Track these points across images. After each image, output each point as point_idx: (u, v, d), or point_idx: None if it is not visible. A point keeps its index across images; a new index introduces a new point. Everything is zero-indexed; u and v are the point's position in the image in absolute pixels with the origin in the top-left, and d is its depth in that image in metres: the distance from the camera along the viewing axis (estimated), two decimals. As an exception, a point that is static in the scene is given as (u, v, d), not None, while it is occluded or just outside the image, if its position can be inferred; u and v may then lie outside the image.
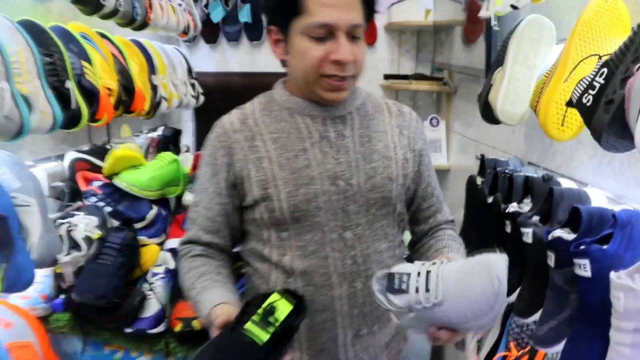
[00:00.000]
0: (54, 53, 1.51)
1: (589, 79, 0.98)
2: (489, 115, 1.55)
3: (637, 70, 0.86)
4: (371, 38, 3.15)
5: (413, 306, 0.98)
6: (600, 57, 1.05)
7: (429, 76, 2.94)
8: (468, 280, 0.95)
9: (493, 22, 1.59)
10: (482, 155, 1.71)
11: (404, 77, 3.00)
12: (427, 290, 0.97)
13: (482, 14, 1.60)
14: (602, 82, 0.94)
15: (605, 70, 0.95)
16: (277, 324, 0.99)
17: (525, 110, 1.42)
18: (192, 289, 1.21)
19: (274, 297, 1.03)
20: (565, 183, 1.34)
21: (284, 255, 1.24)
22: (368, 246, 1.25)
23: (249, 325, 0.98)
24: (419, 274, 0.99)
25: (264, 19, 3.03)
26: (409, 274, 1.00)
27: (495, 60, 1.57)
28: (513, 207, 1.34)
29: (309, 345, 1.26)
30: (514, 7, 1.37)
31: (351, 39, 1.15)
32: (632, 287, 0.83)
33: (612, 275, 0.87)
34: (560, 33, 1.42)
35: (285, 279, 1.24)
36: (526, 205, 1.35)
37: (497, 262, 0.95)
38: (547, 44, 1.43)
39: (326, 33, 1.13)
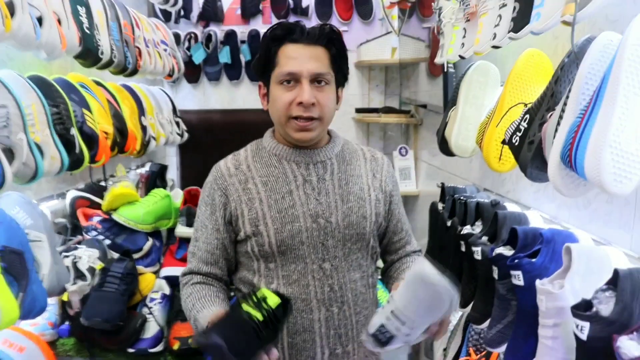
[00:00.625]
0: (59, 104, 1.69)
1: (516, 124, 1.20)
2: (445, 148, 1.77)
3: (550, 117, 1.09)
4: (343, 74, 3.38)
5: (405, 339, 1.17)
6: (525, 105, 1.28)
7: (397, 109, 3.17)
8: (413, 295, 1.13)
9: (447, 67, 1.81)
10: (443, 184, 1.92)
11: (375, 110, 3.23)
12: (403, 323, 1.14)
13: (437, 60, 1.83)
14: (526, 125, 1.17)
15: (527, 116, 1.17)
16: (270, 309, 1.15)
17: (475, 145, 1.64)
18: (193, 309, 1.39)
19: (264, 291, 1.19)
20: (511, 207, 1.56)
21: (271, 284, 1.42)
22: (344, 275, 1.43)
23: (245, 307, 1.15)
24: (387, 318, 1.16)
25: (242, 59, 3.26)
26: (382, 325, 1.16)
27: (450, 99, 1.80)
28: (467, 229, 1.55)
29: None
30: (461, 57, 1.60)
31: (316, 85, 1.36)
32: (550, 291, 1.04)
33: (537, 282, 1.08)
34: (504, 75, 1.65)
35: None
36: (478, 227, 1.57)
37: (421, 268, 1.13)
38: (493, 86, 1.66)
39: (292, 79, 1.36)
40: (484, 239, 1.45)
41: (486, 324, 1.43)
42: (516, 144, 1.19)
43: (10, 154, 1.45)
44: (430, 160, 2.83)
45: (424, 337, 1.21)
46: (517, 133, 1.19)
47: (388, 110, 3.14)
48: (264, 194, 1.41)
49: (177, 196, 2.25)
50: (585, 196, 1.25)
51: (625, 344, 0.83)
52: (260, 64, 1.43)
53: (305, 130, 1.39)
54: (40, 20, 1.55)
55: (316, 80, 1.36)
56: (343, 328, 1.44)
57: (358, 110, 3.30)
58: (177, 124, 2.91)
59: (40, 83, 1.66)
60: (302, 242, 1.40)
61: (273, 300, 1.17)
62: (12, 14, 1.41)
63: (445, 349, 1.83)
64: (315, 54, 1.37)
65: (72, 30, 1.74)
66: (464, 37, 1.59)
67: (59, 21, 1.66)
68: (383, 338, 1.17)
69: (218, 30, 3.28)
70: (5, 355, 1.50)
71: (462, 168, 2.18)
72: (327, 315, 1.42)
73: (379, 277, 1.65)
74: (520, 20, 1.17)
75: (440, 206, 1.85)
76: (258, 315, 1.13)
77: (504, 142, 1.27)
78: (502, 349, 1.31)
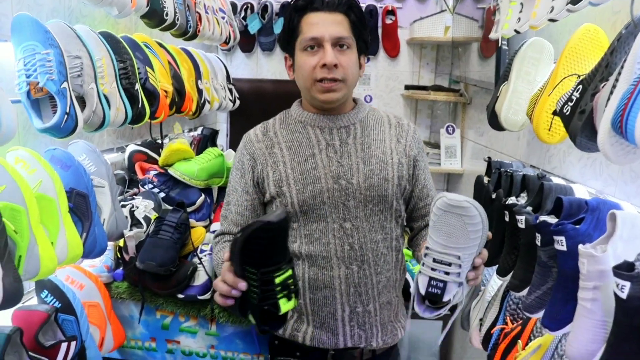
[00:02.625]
0: (126, 60, 1.78)
1: (569, 94, 1.23)
2: (495, 122, 1.80)
3: (603, 87, 1.11)
4: (394, 51, 3.41)
5: (457, 280, 1.20)
6: (578, 76, 1.30)
7: (447, 87, 3.19)
8: (446, 228, 1.17)
9: (501, 42, 1.83)
10: (489, 158, 1.95)
11: (424, 87, 3.25)
12: (449, 264, 1.18)
13: (492, 35, 1.85)
14: (578, 96, 1.19)
15: (580, 87, 1.20)
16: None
17: (525, 119, 1.66)
18: (219, 259, 1.49)
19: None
20: (557, 181, 1.58)
21: (294, 243, 1.50)
22: (365, 235, 1.48)
23: None
24: (432, 269, 1.20)
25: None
26: (431, 278, 1.19)
27: (502, 75, 1.81)
28: (512, 200, 1.59)
29: (313, 318, 1.50)
30: (517, 31, 1.61)
31: (338, 49, 1.44)
32: (593, 254, 1.08)
33: (580, 246, 1.12)
34: (558, 53, 1.67)
35: (295, 261, 1.49)
36: (523, 199, 1.60)
37: (440, 199, 1.16)
38: (546, 63, 1.67)
39: (315, 44, 1.44)
40: (529, 208, 1.48)
41: (525, 291, 1.46)
42: (567, 113, 1.22)
43: (81, 102, 1.55)
44: (477, 139, 2.84)
45: (474, 277, 1.24)
46: (569, 103, 1.21)
47: (437, 88, 3.16)
48: (288, 157, 1.50)
49: (230, 156, 2.33)
50: (632, 170, 1.27)
51: (664, 301, 0.87)
52: (285, 34, 1.52)
53: (330, 92, 1.45)
54: (114, -23, 1.64)
55: (338, 44, 1.44)
56: (363, 286, 1.49)
57: (407, 87, 3.32)
58: (230, 90, 3.00)
59: (110, 39, 1.75)
60: (324, 202, 1.46)
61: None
62: (89, -31, 1.50)
63: (481, 319, 1.87)
64: (336, 20, 1.45)
65: (141, -10, 1.82)
66: (521, 11, 1.61)
67: (130, -20, 1.75)
68: (437, 291, 1.19)
69: (274, 2, 3.34)
70: (68, 290, 1.61)
71: (509, 146, 2.20)
72: (347, 273, 1.47)
73: (407, 246, 1.69)
74: (580, -9, 1.19)
75: (485, 179, 1.88)
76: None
77: (554, 112, 1.30)
78: (540, 314, 1.35)
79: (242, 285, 1.13)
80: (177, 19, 2.12)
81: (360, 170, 1.48)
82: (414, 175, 1.57)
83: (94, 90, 1.55)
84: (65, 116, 1.42)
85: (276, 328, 1.21)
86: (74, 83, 1.50)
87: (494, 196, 1.73)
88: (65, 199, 1.45)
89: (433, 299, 1.22)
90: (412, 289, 1.27)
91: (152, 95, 1.92)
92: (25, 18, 1.41)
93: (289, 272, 1.14)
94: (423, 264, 1.23)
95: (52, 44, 1.44)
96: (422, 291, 1.21)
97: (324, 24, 1.44)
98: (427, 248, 1.22)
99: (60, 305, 1.57)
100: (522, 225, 1.44)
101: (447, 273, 1.19)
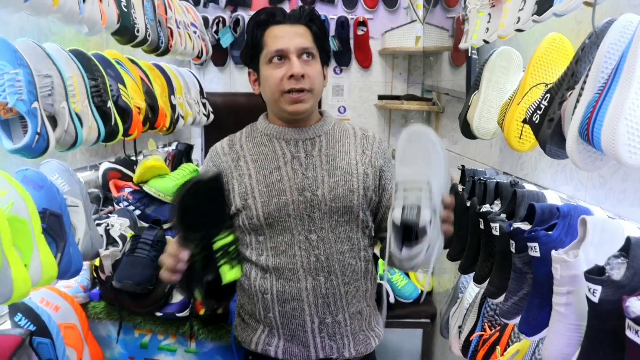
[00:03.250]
0: (97, 77, 1.77)
1: (537, 102, 1.26)
2: (467, 131, 1.82)
3: (569, 96, 1.14)
4: (367, 62, 3.44)
5: (430, 205, 1.20)
6: (546, 85, 1.33)
7: (420, 97, 3.22)
8: (410, 154, 1.23)
9: (471, 52, 1.86)
10: (463, 166, 1.97)
11: (397, 97, 3.28)
12: (420, 189, 1.20)
13: (461, 45, 1.88)
14: (546, 104, 1.22)
15: (548, 95, 1.22)
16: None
17: (496, 127, 1.69)
18: None
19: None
20: (530, 188, 1.61)
21: (260, 256, 1.51)
22: (330, 246, 1.49)
23: None
24: (404, 198, 1.20)
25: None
26: (404, 207, 1.19)
27: (472, 84, 1.84)
28: (486, 207, 1.61)
29: (283, 331, 1.51)
30: (485, 41, 1.64)
31: (304, 60, 1.45)
32: (565, 259, 1.10)
33: (553, 252, 1.13)
34: (526, 61, 1.70)
35: (262, 275, 1.51)
36: (497, 206, 1.62)
37: (403, 131, 1.23)
38: (515, 71, 1.71)
39: (281, 55, 1.44)
40: (502, 216, 1.50)
41: (502, 297, 1.48)
42: (536, 121, 1.24)
43: (53, 121, 1.53)
44: (451, 147, 2.87)
45: (446, 217, 1.28)
46: (538, 111, 1.24)
47: (410, 97, 3.19)
48: (253, 170, 1.51)
49: (205, 172, 2.32)
50: (602, 175, 1.30)
51: (634, 303, 0.89)
52: (248, 49, 1.53)
53: (298, 102, 1.46)
54: (83, -4, 1.63)
55: (303, 54, 1.46)
56: (331, 297, 1.50)
57: (380, 97, 3.35)
58: (204, 105, 2.99)
59: (80, 57, 1.74)
60: (289, 215, 1.47)
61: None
62: (58, -12, 1.49)
63: (460, 327, 1.89)
64: (299, 32, 1.47)
65: (111, 7, 1.82)
66: (489, 22, 1.64)
67: (100, -2, 1.74)
68: (412, 217, 1.18)
69: (246, 15, 3.35)
70: (43, 312, 1.59)
71: (482, 153, 2.23)
72: (314, 284, 1.48)
73: (378, 254, 1.71)
74: (544, 3, 1.22)
75: (460, 187, 1.91)
76: None
77: (524, 120, 1.33)
78: (517, 320, 1.37)
79: (184, 254, 1.20)
80: (149, 35, 2.11)
81: (325, 181, 1.49)
82: (380, 185, 1.58)
83: (65, 109, 1.54)
84: (37, 136, 1.41)
85: (223, 301, 1.26)
86: (44, 102, 1.49)
87: (468, 204, 1.75)
88: (38, 220, 1.43)
89: (409, 225, 1.20)
90: (388, 230, 1.24)
91: (125, 112, 1.91)
92: (-9, 38, 1.40)
93: (230, 237, 1.23)
94: (395, 200, 1.23)
95: (21, 63, 1.42)
96: (397, 222, 1.20)
97: (288, 36, 1.46)
98: (397, 184, 1.23)
99: (35, 328, 1.54)
100: (496, 232, 1.46)
101: (418, 198, 1.19)
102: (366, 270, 1.58)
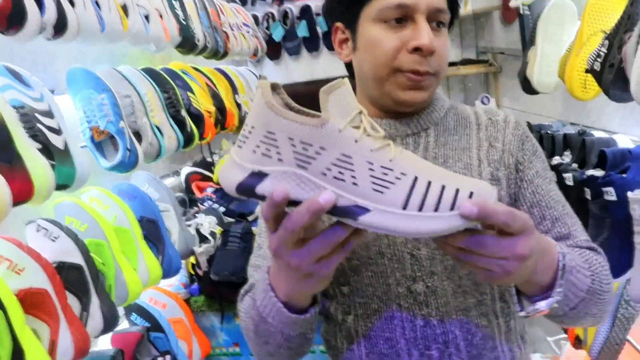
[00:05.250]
0: (169, 90, 1.90)
1: (597, 50, 1.27)
2: (528, 88, 1.84)
3: (629, 39, 1.15)
4: (417, 33, 3.44)
5: None
6: (604, 32, 1.34)
7: (475, 60, 3.21)
8: None
9: (522, 9, 1.86)
10: (528, 122, 1.99)
11: (453, 64, 3.27)
12: None
13: (512, 3, 1.89)
14: (605, 51, 1.24)
15: (606, 41, 1.24)
16: None
17: (557, 80, 1.70)
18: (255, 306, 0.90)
19: None
20: (598, 134, 1.62)
21: (348, 314, 0.99)
22: (447, 302, 0.94)
23: None
24: None
25: (319, 30, 3.39)
26: None
27: (528, 40, 1.85)
28: (556, 159, 1.63)
29: None
30: (536, -4, 1.66)
31: (434, 27, 0.92)
32: (642, 200, 1.12)
33: (629, 193, 1.16)
34: (581, 10, 1.69)
35: (348, 344, 0.99)
36: (567, 157, 1.64)
37: None
38: (570, 22, 1.71)
39: (403, 15, 0.91)
40: (574, 165, 1.52)
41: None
42: (598, 69, 1.26)
43: (138, 136, 1.67)
44: (513, 105, 2.86)
45: None
46: (598, 59, 1.26)
47: (466, 62, 3.18)
48: None
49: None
50: (671, 112, 1.31)
51: None
52: None
53: (418, 89, 0.94)
54: (147, 17, 1.75)
55: (435, 19, 0.92)
56: None
57: (436, 66, 3.35)
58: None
59: (151, 73, 1.87)
60: (382, 254, 0.95)
61: None
62: (126, 14, 1.62)
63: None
64: None
65: (172, 23, 1.93)
66: (537, -24, 1.65)
67: (161, 16, 1.86)
68: None
69: (293, 7, 3.42)
70: (154, 310, 1.74)
71: (546, 107, 2.23)
72: None
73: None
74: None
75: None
76: None
77: (586, 70, 1.34)
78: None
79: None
80: (208, 42, 2.22)
81: None
82: (519, 193, 0.99)
83: (147, 123, 1.67)
84: (128, 152, 1.54)
85: None
86: (128, 120, 1.62)
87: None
88: (138, 228, 1.57)
89: None
90: None
91: (198, 117, 2.03)
92: (77, 70, 1.54)
93: None
94: None
95: (104, 88, 1.56)
96: None
97: None
98: None
99: (149, 324, 1.69)
100: (570, 182, 1.48)
101: None
102: (508, 330, 0.98)
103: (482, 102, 3.14)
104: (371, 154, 0.65)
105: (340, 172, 0.65)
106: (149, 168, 2.12)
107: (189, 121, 1.95)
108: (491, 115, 1.04)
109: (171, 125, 1.83)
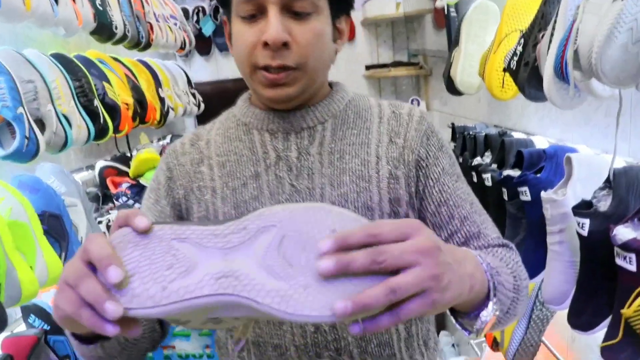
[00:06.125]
0: (81, 78, 1.78)
1: (513, 49, 1.26)
2: (452, 88, 1.83)
3: (542, 37, 1.14)
4: (350, 34, 3.43)
5: None
6: (520, 31, 1.33)
7: (406, 62, 3.22)
8: None
9: (448, 10, 1.86)
10: (453, 124, 1.99)
11: (384, 65, 3.28)
12: None
13: (438, 4, 1.88)
14: (521, 50, 1.23)
15: (522, 40, 1.23)
16: None
17: (479, 80, 1.70)
18: None
19: None
20: (519, 136, 1.62)
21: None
22: None
23: None
24: None
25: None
26: None
27: (453, 40, 1.85)
28: (477, 160, 1.62)
29: None
30: (459, -4, 1.65)
31: (292, 17, 0.86)
32: (554, 199, 1.11)
33: (542, 193, 1.15)
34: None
35: (239, 351, 0.95)
36: (488, 158, 1.63)
37: None
38: (493, 23, 1.71)
39: (256, 9, 0.85)
40: (493, 166, 1.51)
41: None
42: (514, 68, 1.25)
43: (41, 125, 1.55)
44: (442, 108, 2.88)
45: None
46: (514, 57, 1.25)
47: (397, 64, 3.19)
48: (218, 181, 0.94)
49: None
50: (584, 113, 1.31)
51: (621, 231, 0.91)
52: None
53: (277, 86, 0.88)
54: (55, -2, 1.63)
55: (292, 9, 0.85)
56: None
57: (368, 67, 3.34)
58: (194, 95, 3.00)
59: (62, 60, 1.75)
60: None
61: None
62: (29, -8, 1.50)
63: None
64: None
65: (86, 7, 1.82)
66: (461, -24, 1.64)
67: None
68: None
69: (224, 1, 3.34)
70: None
71: (472, 110, 2.24)
72: None
73: None
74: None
75: (452, 145, 1.92)
76: None
77: (504, 69, 1.33)
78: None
79: None
80: (128, 31, 2.11)
81: (327, 197, 0.90)
82: (424, 191, 0.92)
83: (51, 111, 1.55)
84: (26, 140, 1.42)
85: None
86: (30, 107, 1.50)
87: (460, 160, 1.77)
88: (38, 222, 1.46)
89: None
90: None
91: (113, 109, 1.92)
92: (-31, 49, 1.41)
93: None
94: None
95: (2, 71, 1.44)
96: None
97: None
98: None
99: (49, 327, 1.57)
100: (489, 183, 1.48)
101: None
102: (409, 336, 0.93)
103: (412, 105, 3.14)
104: None
105: None
106: (59, 160, 1.99)
107: (102, 112, 1.83)
108: (395, 108, 0.97)
109: (81, 115, 1.72)
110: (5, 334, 1.43)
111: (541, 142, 1.49)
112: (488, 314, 0.70)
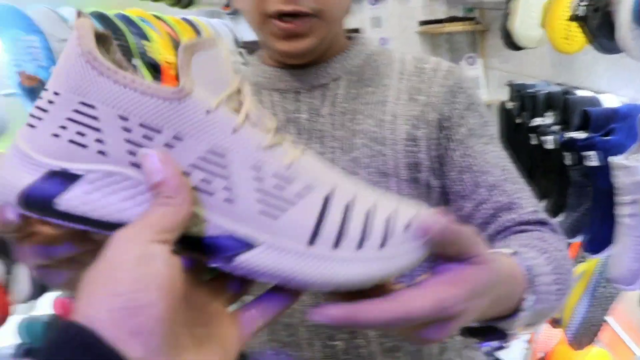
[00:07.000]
0: (120, 37, 1.74)
1: (582, -6, 1.12)
2: (510, 42, 1.69)
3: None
4: (403, -13, 3.26)
5: None
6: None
7: (462, 17, 3.05)
8: None
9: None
10: (511, 82, 1.84)
11: (439, 21, 3.11)
12: None
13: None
14: (591, -6, 1.08)
15: (593, -17, 1.08)
16: None
17: (541, 32, 1.54)
18: None
19: None
20: (585, 94, 1.47)
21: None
22: None
23: None
24: None
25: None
26: None
27: (511, -10, 1.69)
28: (537, 121, 1.49)
29: None
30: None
31: None
32: (626, 165, 0.99)
33: (611, 158, 1.03)
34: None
35: None
36: (549, 118, 1.49)
37: None
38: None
39: None
40: (555, 127, 1.38)
41: (562, 215, 1.38)
42: (582, 15, 1.11)
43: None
44: (502, 66, 2.71)
45: None
46: (582, 3, 1.11)
47: (452, 19, 3.03)
48: None
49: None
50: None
51: None
52: None
53: (294, 37, 0.78)
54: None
55: None
56: None
57: (422, 23, 3.19)
58: (240, 54, 2.93)
59: (99, 17, 1.71)
60: None
61: None
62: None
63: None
64: None
65: (123, -39, 1.76)
66: None
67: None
68: None
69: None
70: None
71: (534, 66, 2.08)
72: (324, 355, 0.84)
73: None
74: None
75: (510, 105, 1.78)
76: None
77: (570, 17, 1.19)
78: (580, 238, 1.27)
79: None
80: (168, -13, 2.05)
81: (338, 162, 0.81)
82: (446, 155, 0.81)
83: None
84: (61, 101, 1.39)
85: None
86: (65, 67, 1.47)
87: (518, 121, 1.64)
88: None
89: None
90: None
91: (154, 67, 1.88)
92: (3, 7, 1.37)
93: None
94: None
95: (35, 30, 1.39)
96: None
97: None
98: None
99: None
100: (550, 146, 1.35)
101: None
102: None
103: (468, 63, 2.99)
104: (257, 155, 0.39)
105: (205, 180, 0.38)
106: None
107: (142, 70, 1.79)
108: (419, 62, 0.85)
109: (120, 74, 1.67)
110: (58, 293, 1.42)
111: (611, 101, 1.34)
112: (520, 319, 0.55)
